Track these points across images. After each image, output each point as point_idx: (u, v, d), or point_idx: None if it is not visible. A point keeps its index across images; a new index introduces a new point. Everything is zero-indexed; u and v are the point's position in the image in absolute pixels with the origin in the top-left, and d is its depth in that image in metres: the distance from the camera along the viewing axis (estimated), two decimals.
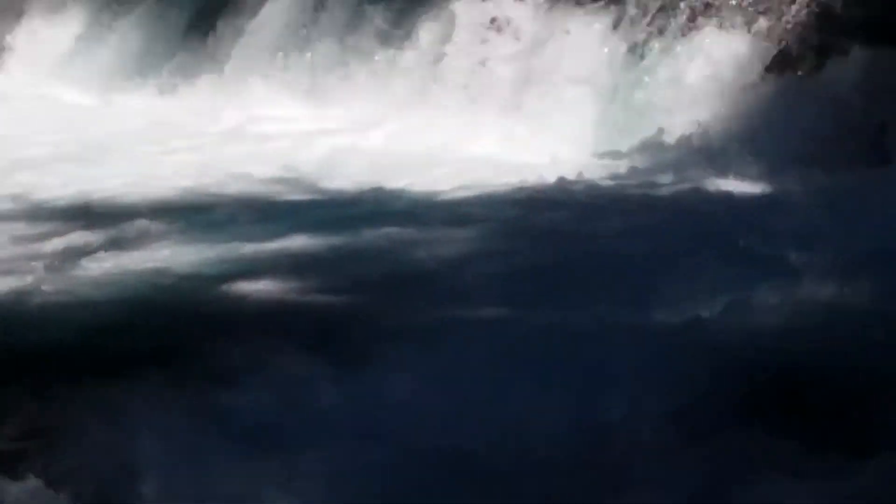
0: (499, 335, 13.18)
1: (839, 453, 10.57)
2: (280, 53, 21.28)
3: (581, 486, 10.46)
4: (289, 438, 11.54)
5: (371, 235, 16.05)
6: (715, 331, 12.88)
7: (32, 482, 10.93)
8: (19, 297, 14.91)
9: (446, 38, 20.02)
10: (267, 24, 21.61)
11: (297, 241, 16.06)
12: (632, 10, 18.97)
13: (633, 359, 12.43)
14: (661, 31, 18.56)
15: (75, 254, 15.92)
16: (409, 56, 20.19)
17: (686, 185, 17.01)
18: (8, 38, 23.99)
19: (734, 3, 18.33)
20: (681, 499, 10.03)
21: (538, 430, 11.28)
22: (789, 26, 18.05)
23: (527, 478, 10.78)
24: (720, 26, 18.25)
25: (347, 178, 17.90)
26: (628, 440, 11.29)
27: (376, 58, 20.36)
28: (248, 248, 15.73)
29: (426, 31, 20.21)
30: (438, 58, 19.92)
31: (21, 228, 16.97)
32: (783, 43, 17.94)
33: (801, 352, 12.29)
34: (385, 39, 20.37)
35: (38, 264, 15.64)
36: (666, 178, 17.32)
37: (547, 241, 15.55)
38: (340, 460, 11.29)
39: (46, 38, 23.72)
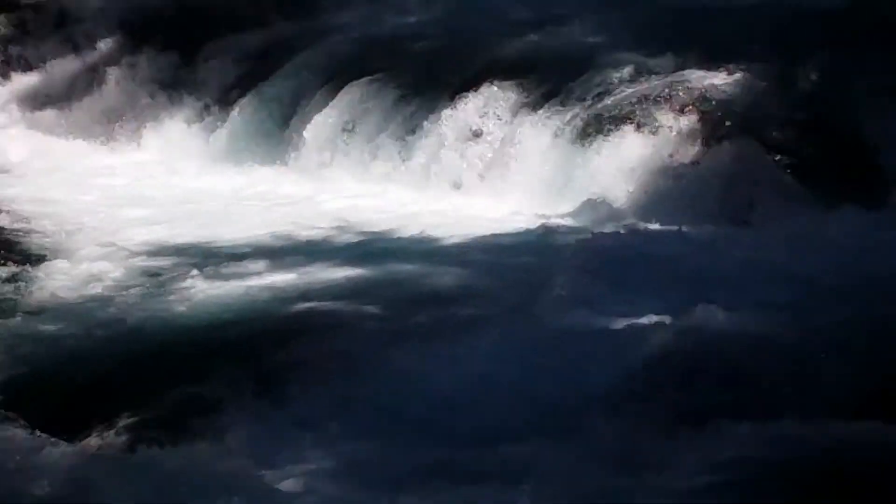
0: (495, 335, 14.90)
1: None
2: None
3: None
4: (404, 416, 13.75)
5: (395, 268, 17.71)
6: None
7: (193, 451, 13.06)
8: (168, 310, 16.68)
9: (442, 141, 21.16)
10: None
11: (348, 273, 17.58)
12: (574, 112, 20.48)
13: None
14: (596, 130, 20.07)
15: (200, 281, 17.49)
16: (417, 154, 21.34)
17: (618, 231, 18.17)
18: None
19: (644, 112, 19.92)
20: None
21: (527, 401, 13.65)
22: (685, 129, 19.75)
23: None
24: (636, 129, 19.87)
25: (376, 229, 19.39)
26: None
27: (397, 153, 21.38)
28: (312, 279, 17.34)
29: (428, 136, 21.33)
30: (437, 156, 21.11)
31: (163, 266, 18.26)
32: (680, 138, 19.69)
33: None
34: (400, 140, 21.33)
35: (174, 289, 17.23)
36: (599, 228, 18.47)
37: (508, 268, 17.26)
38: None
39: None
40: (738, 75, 20.46)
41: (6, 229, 20.00)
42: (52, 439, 13.83)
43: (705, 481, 12.46)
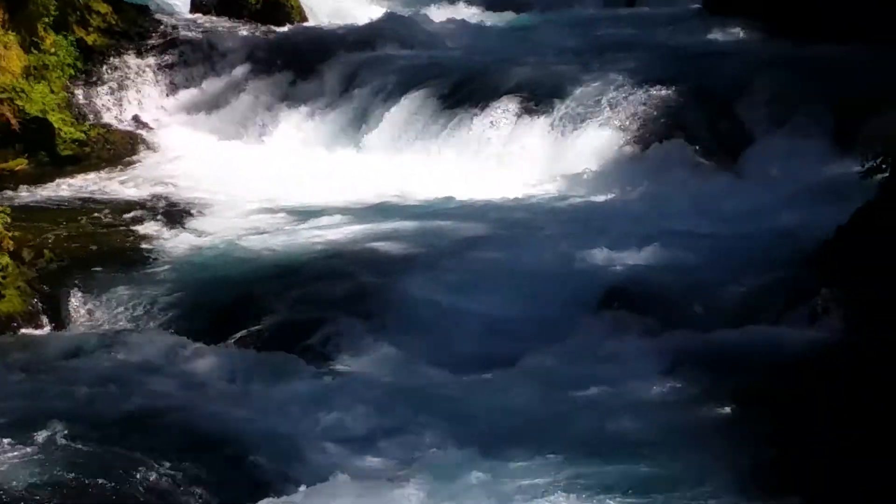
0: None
1: None
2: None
3: None
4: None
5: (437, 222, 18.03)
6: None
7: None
8: (281, 251, 17.00)
9: (472, 132, 20.91)
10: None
11: (404, 225, 17.92)
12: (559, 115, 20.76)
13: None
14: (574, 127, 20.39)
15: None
16: (454, 142, 21.01)
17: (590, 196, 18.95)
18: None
19: (607, 115, 20.36)
20: None
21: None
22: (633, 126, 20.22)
23: None
24: (599, 126, 20.20)
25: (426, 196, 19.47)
26: None
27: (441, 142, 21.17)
28: (379, 230, 17.68)
29: (463, 129, 21.02)
30: (468, 143, 20.92)
31: (277, 221, 18.40)
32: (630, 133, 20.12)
33: None
34: (443, 132, 21.14)
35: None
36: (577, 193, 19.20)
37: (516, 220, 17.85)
38: None
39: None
40: (668, 91, 20.83)
41: (170, 196, 19.81)
42: (198, 344, 14.43)
43: (648, 365, 13.28)
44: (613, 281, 15.22)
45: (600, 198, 18.75)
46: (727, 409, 11.99)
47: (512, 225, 17.68)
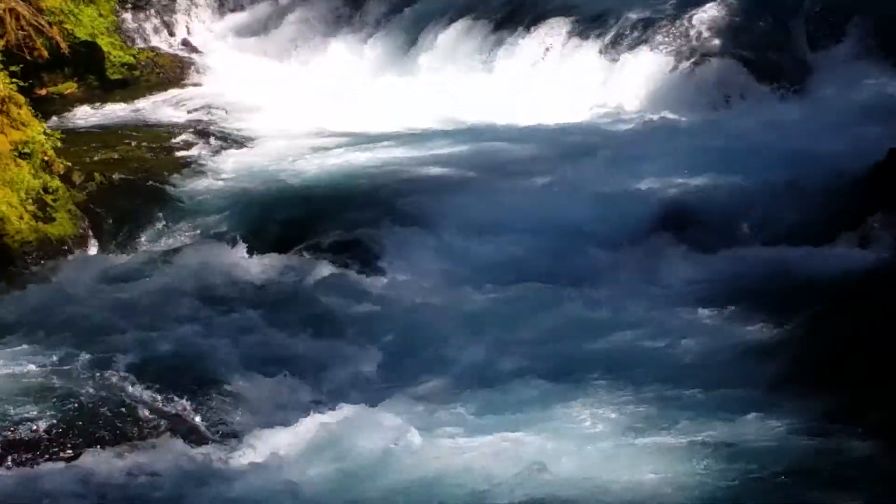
0: None
1: None
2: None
3: None
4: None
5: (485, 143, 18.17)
6: None
7: None
8: (327, 171, 17.29)
9: (521, 56, 20.85)
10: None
11: (452, 145, 18.12)
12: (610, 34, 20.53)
13: None
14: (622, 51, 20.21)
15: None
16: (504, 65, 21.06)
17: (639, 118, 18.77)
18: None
19: (656, 38, 20.10)
20: None
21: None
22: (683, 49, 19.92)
23: None
24: (650, 50, 19.98)
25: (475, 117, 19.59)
26: None
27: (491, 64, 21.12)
28: (427, 151, 17.92)
29: (511, 53, 20.99)
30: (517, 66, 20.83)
31: (323, 143, 18.53)
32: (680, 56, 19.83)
33: None
34: (493, 55, 21.15)
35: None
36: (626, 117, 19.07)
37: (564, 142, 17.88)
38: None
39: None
40: (719, 12, 20.45)
41: (218, 120, 19.95)
42: (257, 256, 14.63)
43: (698, 286, 13.31)
44: (665, 203, 15.31)
45: (652, 120, 18.61)
46: (777, 330, 11.95)
47: (564, 147, 17.70)
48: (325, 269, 14.21)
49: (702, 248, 14.28)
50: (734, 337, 11.96)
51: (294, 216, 15.85)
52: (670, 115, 18.89)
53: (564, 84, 20.44)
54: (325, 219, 15.62)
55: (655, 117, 18.82)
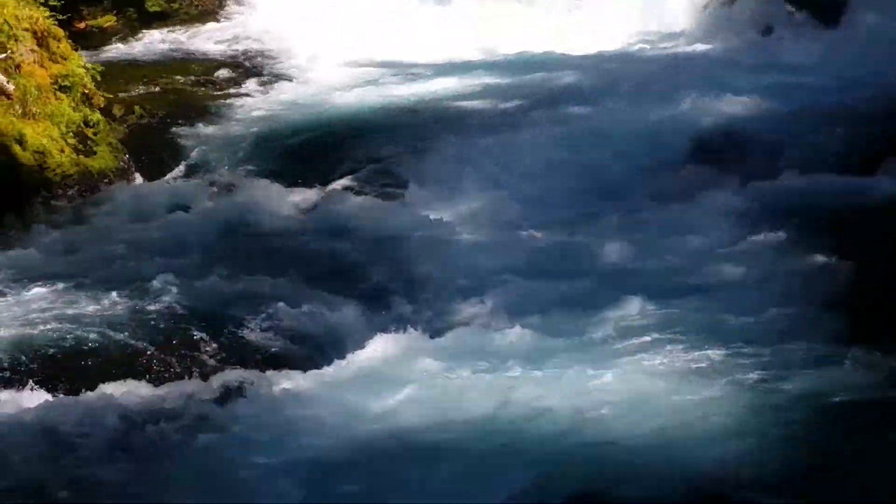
0: None
1: None
2: None
3: None
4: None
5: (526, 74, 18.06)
6: None
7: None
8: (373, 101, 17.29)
9: None
10: None
11: (489, 76, 18.12)
12: None
13: None
14: None
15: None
16: None
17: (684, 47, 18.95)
18: None
19: None
20: None
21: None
22: None
23: None
24: None
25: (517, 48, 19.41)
26: None
27: None
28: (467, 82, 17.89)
29: None
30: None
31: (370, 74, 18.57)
32: None
33: None
34: None
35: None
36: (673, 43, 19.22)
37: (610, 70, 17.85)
38: None
39: None
40: None
41: (257, 52, 19.82)
42: (296, 189, 14.77)
43: (734, 214, 13.20)
44: (706, 131, 15.28)
45: (692, 51, 18.65)
46: (819, 259, 11.89)
47: (603, 76, 17.64)
48: (365, 202, 14.28)
49: (743, 177, 14.18)
50: (776, 266, 11.89)
51: (334, 149, 15.85)
52: (711, 44, 18.82)
53: (604, 13, 20.30)
54: (364, 152, 15.66)
55: (696, 46, 18.76)
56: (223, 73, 18.75)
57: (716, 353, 10.05)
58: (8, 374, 10.42)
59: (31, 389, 10.30)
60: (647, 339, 10.42)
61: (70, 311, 11.38)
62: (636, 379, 9.73)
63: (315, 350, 11.02)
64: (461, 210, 14.19)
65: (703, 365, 9.88)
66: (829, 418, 9.04)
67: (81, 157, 15.36)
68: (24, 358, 10.54)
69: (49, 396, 10.22)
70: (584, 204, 13.90)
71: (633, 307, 11.06)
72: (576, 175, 14.64)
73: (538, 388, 9.73)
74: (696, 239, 12.58)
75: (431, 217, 13.84)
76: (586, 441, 8.74)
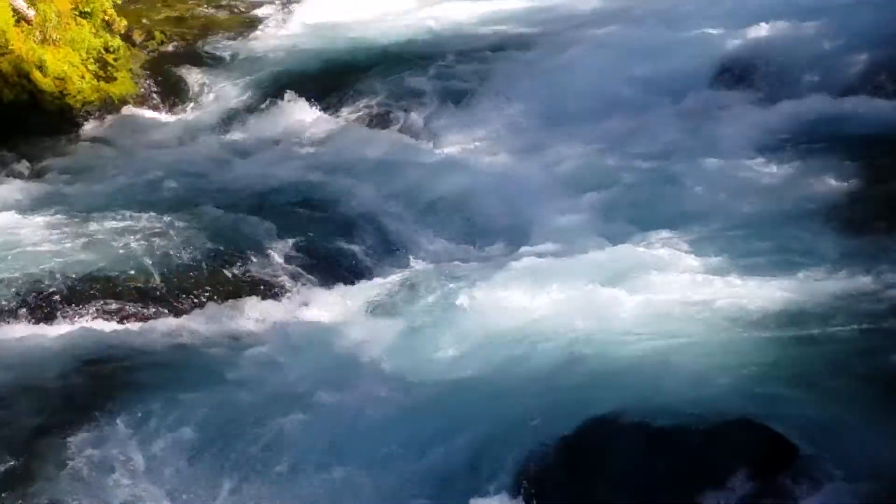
0: None
1: None
2: None
3: None
4: None
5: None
6: None
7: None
8: (391, 32, 16.98)
9: None
10: None
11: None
12: None
13: None
14: None
15: None
16: None
17: None
18: None
19: None
20: None
21: None
22: None
23: None
24: None
25: None
26: None
27: None
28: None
29: None
30: None
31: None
32: None
33: None
34: None
35: None
36: None
37: None
38: None
39: None
40: None
41: None
42: (319, 115, 14.76)
43: (755, 131, 13.11)
44: (727, 53, 15.08)
45: None
46: (842, 181, 11.75)
47: (629, 1, 17.49)
48: (387, 131, 14.29)
49: (764, 99, 14.09)
50: (798, 187, 11.80)
51: (355, 76, 15.72)
52: None
53: None
54: (387, 79, 15.50)
55: None
56: None
57: (736, 276, 9.93)
58: (33, 303, 10.37)
59: (57, 319, 10.29)
60: (669, 259, 10.33)
61: (89, 238, 11.36)
62: (659, 301, 9.61)
63: (335, 276, 10.98)
64: (485, 134, 14.14)
65: (723, 286, 9.76)
66: (855, 345, 8.82)
67: (102, 83, 15.35)
68: (46, 286, 10.49)
69: (75, 326, 10.18)
70: (610, 126, 13.76)
71: (657, 228, 10.98)
72: (601, 97, 14.48)
73: (561, 309, 9.62)
74: (721, 161, 12.45)
75: (454, 142, 13.78)
76: (611, 366, 8.64)
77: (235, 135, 14.31)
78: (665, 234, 10.92)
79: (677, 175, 12.25)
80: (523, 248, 11.07)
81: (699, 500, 6.79)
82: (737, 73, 14.70)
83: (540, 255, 10.81)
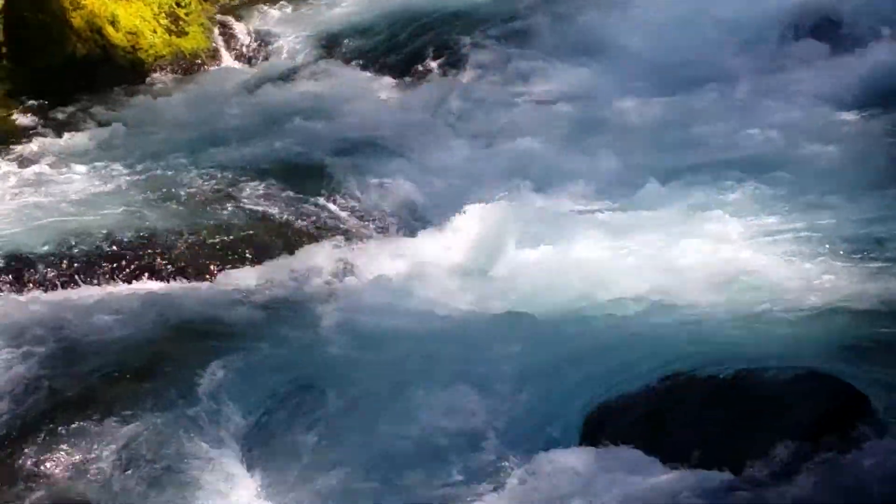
0: None
1: None
2: None
3: None
4: None
5: None
6: None
7: None
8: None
9: None
10: None
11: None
12: None
13: None
14: None
15: None
16: None
17: None
18: None
19: None
20: None
21: None
22: None
23: None
24: None
25: None
26: None
27: None
28: None
29: None
30: None
31: None
32: None
33: None
34: None
35: None
36: None
37: None
38: None
39: None
40: None
41: None
42: (373, 74, 14.87)
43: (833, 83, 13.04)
44: (805, 3, 14.94)
45: None
46: None
47: None
48: (464, 83, 14.27)
49: (844, 51, 13.98)
50: (878, 140, 11.77)
51: (422, 36, 15.69)
52: None
53: None
54: (452, 39, 15.44)
55: None
56: None
57: (811, 230, 9.89)
58: (106, 259, 10.43)
59: (130, 275, 10.35)
60: (741, 212, 10.28)
61: (162, 190, 11.47)
62: (730, 254, 9.60)
63: (407, 224, 11.14)
64: (555, 88, 14.04)
65: (795, 240, 9.75)
66: None
67: (173, 37, 15.46)
68: (115, 239, 10.59)
69: (145, 283, 10.26)
70: (679, 79, 13.65)
71: (730, 180, 10.92)
72: (669, 50, 14.41)
73: (633, 262, 9.65)
74: (794, 112, 12.44)
75: (525, 92, 13.76)
76: (680, 318, 8.57)
77: (304, 86, 14.35)
78: (739, 186, 10.85)
79: (752, 126, 12.16)
80: (594, 200, 11.05)
81: (767, 449, 6.74)
82: (816, 24, 14.59)
83: (611, 207, 10.77)
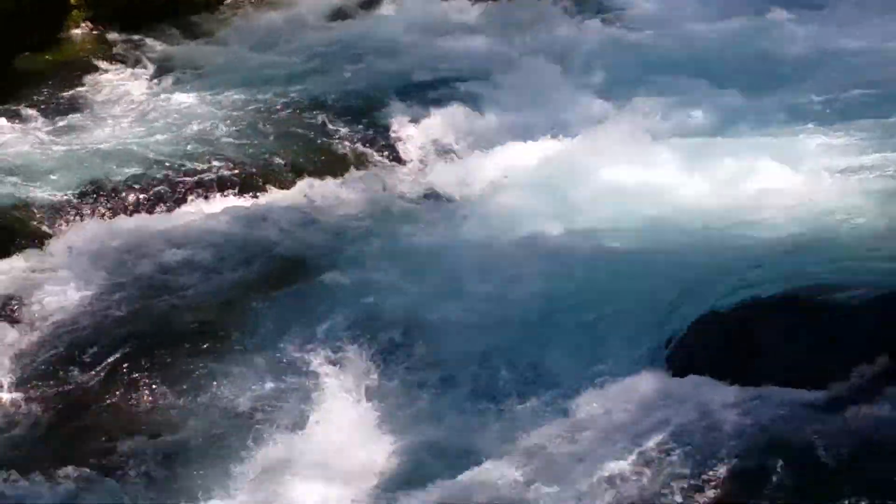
0: None
1: None
2: None
3: None
4: None
5: None
6: None
7: None
8: None
9: None
10: None
11: None
12: None
13: None
14: None
15: None
16: None
17: None
18: None
19: None
20: None
21: None
22: None
23: None
24: None
25: None
26: None
27: None
28: None
29: None
30: None
31: None
32: None
33: None
34: None
35: None
36: None
37: None
38: None
39: None
40: None
41: None
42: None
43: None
44: None
45: None
46: None
47: None
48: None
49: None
50: None
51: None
52: None
53: None
54: None
55: None
56: None
57: (886, 155, 9.81)
58: (197, 180, 10.59)
59: (218, 196, 10.52)
60: (817, 139, 10.27)
61: (243, 114, 11.64)
62: (809, 180, 9.56)
63: (475, 146, 11.23)
64: (632, 12, 14.21)
65: (872, 167, 9.65)
66: None
67: None
68: (210, 161, 10.76)
69: (234, 201, 10.40)
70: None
71: (805, 95, 11.01)
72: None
73: (710, 188, 9.62)
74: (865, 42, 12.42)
75: (602, 18, 13.89)
76: (759, 243, 8.56)
77: (387, 9, 14.55)
78: (811, 113, 10.87)
79: (825, 45, 12.35)
80: (668, 128, 11.00)
81: (845, 373, 6.79)
82: None
83: (686, 134, 10.73)
